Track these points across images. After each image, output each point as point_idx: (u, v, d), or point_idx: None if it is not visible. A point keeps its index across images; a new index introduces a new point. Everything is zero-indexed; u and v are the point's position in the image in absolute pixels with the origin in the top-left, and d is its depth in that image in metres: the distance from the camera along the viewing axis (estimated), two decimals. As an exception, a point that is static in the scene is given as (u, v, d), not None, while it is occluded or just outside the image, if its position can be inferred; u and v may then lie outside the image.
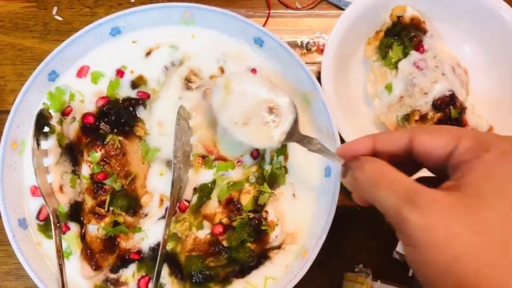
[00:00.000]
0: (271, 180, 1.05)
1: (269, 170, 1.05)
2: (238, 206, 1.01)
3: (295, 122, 0.96)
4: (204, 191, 1.04)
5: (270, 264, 1.02)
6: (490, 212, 0.55)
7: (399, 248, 1.08)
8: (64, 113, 1.07)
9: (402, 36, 1.10)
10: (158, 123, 1.08)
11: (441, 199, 0.58)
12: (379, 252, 1.11)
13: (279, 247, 1.02)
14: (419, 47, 1.09)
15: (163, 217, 1.03)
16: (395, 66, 1.10)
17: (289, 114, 0.97)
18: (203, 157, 1.06)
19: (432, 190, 0.60)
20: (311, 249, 0.97)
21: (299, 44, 1.22)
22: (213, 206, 1.03)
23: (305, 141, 0.92)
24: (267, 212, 1.02)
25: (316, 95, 1.04)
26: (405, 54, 1.09)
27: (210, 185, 1.05)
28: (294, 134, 0.95)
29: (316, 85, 1.03)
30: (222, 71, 1.11)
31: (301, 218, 1.04)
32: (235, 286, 1.01)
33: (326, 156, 0.86)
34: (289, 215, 1.04)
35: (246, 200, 1.01)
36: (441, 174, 0.66)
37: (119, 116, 1.05)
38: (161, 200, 1.04)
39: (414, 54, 1.08)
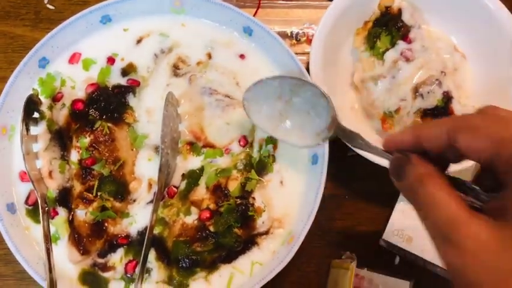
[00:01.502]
0: (259, 167, 1.06)
1: (257, 158, 1.06)
2: (226, 192, 1.02)
3: (335, 116, 0.91)
4: (192, 177, 1.05)
5: (257, 250, 1.03)
6: None
7: (386, 236, 1.09)
8: (55, 99, 1.08)
9: (390, 26, 1.11)
10: (146, 111, 1.09)
11: (480, 235, 0.52)
12: (366, 240, 1.12)
13: (266, 232, 1.03)
14: (406, 37, 1.09)
15: (152, 201, 1.04)
16: (383, 56, 1.11)
17: (327, 109, 0.93)
18: (191, 144, 1.07)
19: (475, 222, 0.53)
20: (297, 234, 0.98)
21: (289, 35, 1.23)
22: (200, 192, 1.04)
23: (345, 136, 0.86)
24: (254, 198, 1.03)
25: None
26: (393, 44, 1.10)
27: (197, 171, 1.05)
28: (336, 129, 0.89)
29: (304, 73, 1.04)
30: (210, 56, 1.12)
31: (289, 204, 1.05)
32: (222, 271, 1.01)
33: (371, 152, 0.76)
34: (277, 201, 1.05)
35: (233, 186, 1.02)
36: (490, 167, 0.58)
37: (108, 103, 1.06)
38: (150, 185, 1.05)
39: (401, 44, 1.09)
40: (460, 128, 0.58)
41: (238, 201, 1.02)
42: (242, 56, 1.12)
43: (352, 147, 0.87)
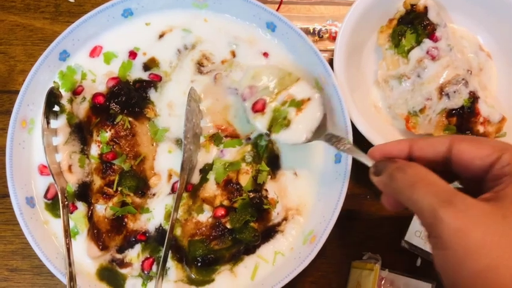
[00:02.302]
0: (271, 157, 1.06)
1: (264, 147, 1.05)
2: (237, 187, 1.01)
3: (324, 119, 0.96)
4: (205, 172, 1.04)
5: (281, 237, 1.03)
6: None
7: (408, 237, 1.08)
8: (75, 92, 1.07)
9: (416, 24, 1.09)
10: (168, 105, 1.08)
11: (479, 206, 0.58)
12: (387, 241, 1.10)
13: (285, 219, 1.03)
14: (432, 35, 1.08)
15: (171, 193, 1.03)
16: (408, 55, 1.09)
17: (316, 111, 0.97)
18: (213, 135, 1.06)
19: (471, 197, 0.59)
20: (319, 234, 0.96)
21: (311, 31, 1.21)
22: (211, 188, 1.02)
23: (334, 140, 0.91)
24: (266, 190, 1.02)
25: (328, 80, 1.03)
26: (419, 43, 1.08)
27: (206, 167, 1.04)
28: (322, 133, 0.95)
29: (329, 70, 1.03)
30: (234, 55, 1.11)
31: (305, 196, 1.05)
32: (247, 262, 1.01)
33: (356, 157, 0.83)
34: (291, 192, 1.05)
35: (245, 180, 1.01)
36: (475, 189, 0.65)
37: (129, 97, 1.05)
38: (170, 175, 1.04)
39: (427, 42, 1.07)
40: (464, 139, 0.66)
41: (252, 195, 1.01)
42: (266, 54, 1.11)
43: (340, 151, 0.90)
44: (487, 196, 0.61)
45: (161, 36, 1.12)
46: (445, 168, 0.68)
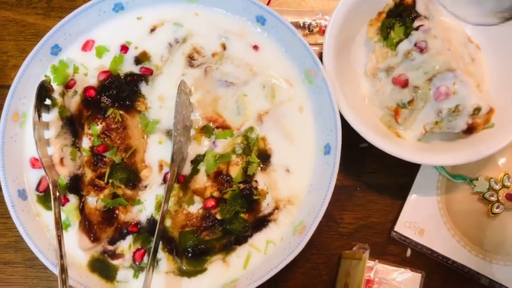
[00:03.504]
0: (262, 154, 1.06)
1: (254, 139, 1.06)
2: (227, 178, 1.01)
3: None
4: (196, 163, 1.05)
5: (274, 226, 1.03)
6: None
7: (398, 227, 1.09)
8: (67, 86, 1.08)
9: (404, 17, 1.10)
10: (159, 98, 1.09)
11: None
12: (377, 232, 1.12)
13: (277, 208, 1.03)
14: (420, 27, 1.08)
15: (162, 183, 1.04)
16: (396, 47, 1.10)
17: None
18: (204, 127, 1.07)
19: None
20: (309, 224, 0.97)
21: (301, 25, 1.22)
22: (201, 180, 1.03)
23: None
24: (256, 181, 1.03)
25: (318, 73, 1.04)
26: (407, 35, 1.09)
27: (197, 158, 1.05)
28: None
29: (318, 63, 1.04)
30: (224, 47, 1.12)
31: (296, 188, 1.05)
32: (239, 251, 1.02)
33: None
34: (282, 185, 1.05)
35: (235, 171, 1.02)
36: None
37: (120, 91, 1.06)
38: (161, 166, 1.05)
39: (415, 35, 1.08)
40: None
41: (242, 186, 1.01)
42: (256, 47, 1.11)
43: None
44: None
45: (152, 30, 1.13)
46: None
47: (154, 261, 0.94)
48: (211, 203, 1.00)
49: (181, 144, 1.01)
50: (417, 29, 1.08)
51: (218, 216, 0.99)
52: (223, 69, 1.10)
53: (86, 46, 1.12)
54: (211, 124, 1.07)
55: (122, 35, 1.13)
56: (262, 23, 1.10)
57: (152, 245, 0.95)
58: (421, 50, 1.07)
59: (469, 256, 1.08)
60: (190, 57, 1.11)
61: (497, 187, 1.10)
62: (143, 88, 1.09)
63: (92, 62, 1.11)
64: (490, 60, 1.16)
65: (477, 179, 1.11)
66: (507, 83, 1.12)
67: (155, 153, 1.06)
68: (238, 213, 0.99)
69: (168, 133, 1.06)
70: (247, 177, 1.02)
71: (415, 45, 1.08)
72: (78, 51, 1.12)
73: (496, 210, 1.09)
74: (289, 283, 1.09)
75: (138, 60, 1.11)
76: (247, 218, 1.00)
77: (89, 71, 1.10)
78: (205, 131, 1.06)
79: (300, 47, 1.06)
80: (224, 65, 1.10)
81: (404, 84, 1.08)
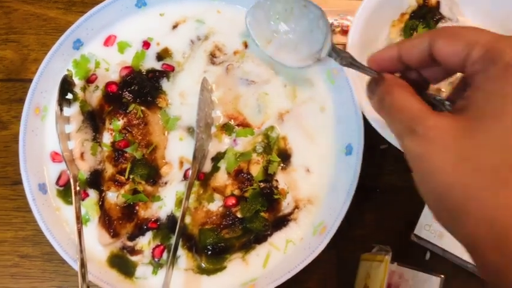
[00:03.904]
0: (282, 154, 1.06)
1: (275, 138, 1.05)
2: (248, 176, 1.01)
3: (330, 38, 0.91)
4: (216, 160, 1.05)
5: (294, 225, 1.03)
6: (485, 136, 0.52)
7: (417, 230, 1.08)
8: (89, 80, 1.08)
9: (428, 18, 1.09)
10: (180, 94, 1.09)
11: (440, 126, 0.56)
12: (396, 234, 1.11)
13: (297, 207, 1.03)
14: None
15: (182, 180, 1.04)
16: (420, 49, 1.09)
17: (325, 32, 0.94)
18: (224, 125, 1.07)
19: (436, 116, 0.57)
20: (329, 225, 0.97)
21: (323, 25, 1.21)
22: (222, 178, 1.03)
23: (336, 55, 0.86)
24: (277, 180, 1.02)
25: (340, 73, 1.04)
26: (431, 37, 1.08)
27: (218, 156, 1.05)
28: (329, 49, 0.89)
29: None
30: (246, 46, 1.11)
31: (316, 187, 1.05)
32: (259, 250, 1.01)
33: (357, 70, 0.78)
34: (302, 185, 1.05)
35: (256, 170, 1.01)
36: None
37: (142, 87, 1.06)
38: (181, 163, 1.05)
39: (439, 37, 1.07)
40: (440, 35, 0.62)
41: (262, 185, 1.01)
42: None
43: (342, 65, 0.84)
44: (460, 104, 0.59)
45: (174, 26, 1.13)
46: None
47: (174, 258, 0.94)
48: (232, 201, 1.00)
49: (202, 141, 1.01)
50: (441, 31, 1.08)
51: (238, 215, 0.99)
52: (244, 67, 1.10)
53: (108, 41, 1.12)
54: (231, 122, 1.07)
55: (144, 31, 1.13)
56: (285, 21, 1.10)
57: (173, 242, 0.95)
58: (445, 52, 1.06)
59: (489, 260, 1.07)
60: (212, 55, 1.11)
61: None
62: (164, 84, 1.09)
63: (113, 57, 1.11)
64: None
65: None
66: None
67: (176, 149, 1.06)
68: (258, 212, 0.99)
69: (189, 130, 1.06)
70: (268, 176, 1.02)
71: (439, 47, 1.07)
72: (100, 46, 1.12)
73: (516, 215, 1.08)
74: (307, 284, 1.08)
75: (160, 57, 1.11)
76: (267, 217, 1.00)
77: (111, 66, 1.10)
78: (226, 128, 1.06)
79: (322, 46, 1.06)
80: (245, 64, 1.10)
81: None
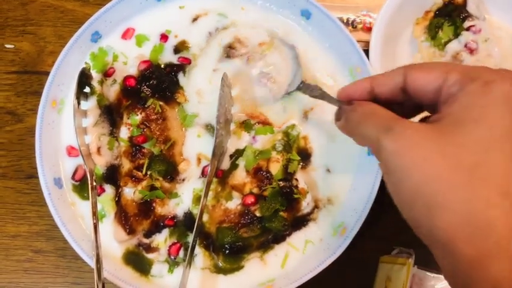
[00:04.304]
0: (302, 153, 1.04)
1: (295, 136, 1.03)
2: (267, 175, 0.99)
3: (297, 73, 0.98)
4: (237, 157, 1.03)
5: (313, 225, 1.01)
6: (464, 137, 0.55)
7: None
8: (106, 74, 1.06)
9: (454, 16, 1.07)
10: (197, 92, 1.07)
11: (417, 127, 0.58)
12: (417, 236, 1.08)
13: (317, 206, 1.01)
14: (471, 28, 1.05)
15: (200, 177, 1.02)
16: (445, 48, 1.07)
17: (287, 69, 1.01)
18: (244, 122, 1.04)
19: (412, 121, 0.61)
20: (350, 226, 0.95)
21: (345, 21, 1.19)
22: (240, 176, 1.01)
23: (305, 89, 0.90)
24: (297, 180, 1.00)
25: (364, 70, 1.01)
26: (457, 35, 1.06)
27: (236, 153, 1.03)
28: (294, 85, 0.96)
29: (365, 60, 1.01)
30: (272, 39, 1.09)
31: (336, 187, 1.03)
32: (277, 250, 0.99)
33: (327, 101, 0.82)
34: (322, 185, 1.03)
35: (275, 169, 0.99)
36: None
37: (160, 81, 1.04)
38: (199, 159, 1.03)
39: (466, 35, 1.05)
40: (415, 67, 0.66)
41: (282, 184, 0.99)
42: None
43: (313, 97, 0.88)
44: (432, 118, 0.62)
45: (195, 19, 1.10)
46: (409, 100, 0.68)
47: (191, 257, 0.92)
48: (251, 199, 0.97)
49: (222, 138, 0.99)
50: (468, 29, 1.05)
51: (257, 214, 0.97)
52: (267, 59, 1.07)
53: (126, 34, 1.10)
54: (251, 120, 1.04)
55: (163, 24, 1.10)
56: (307, 17, 1.08)
57: (190, 240, 0.93)
58: (471, 52, 1.04)
59: None
60: (231, 47, 1.08)
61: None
62: (182, 79, 1.07)
63: (132, 51, 1.09)
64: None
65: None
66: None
67: (194, 146, 1.04)
68: (277, 212, 0.97)
69: (207, 127, 1.04)
70: (288, 175, 1.00)
71: (465, 46, 1.05)
72: (118, 39, 1.10)
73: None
74: (326, 284, 1.06)
75: (177, 49, 1.09)
76: (286, 217, 0.98)
77: (129, 59, 1.08)
78: (245, 125, 1.04)
79: (345, 42, 1.04)
80: (269, 56, 1.07)
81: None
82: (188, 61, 1.08)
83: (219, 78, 1.01)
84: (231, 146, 1.04)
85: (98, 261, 0.91)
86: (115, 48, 1.09)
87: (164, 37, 1.10)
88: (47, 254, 1.07)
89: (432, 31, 1.09)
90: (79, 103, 1.01)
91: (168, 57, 1.08)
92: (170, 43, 1.09)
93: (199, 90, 1.07)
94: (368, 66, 1.00)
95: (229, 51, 1.08)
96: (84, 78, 1.02)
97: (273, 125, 1.04)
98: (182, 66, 1.07)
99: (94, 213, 0.94)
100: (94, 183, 0.98)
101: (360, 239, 1.06)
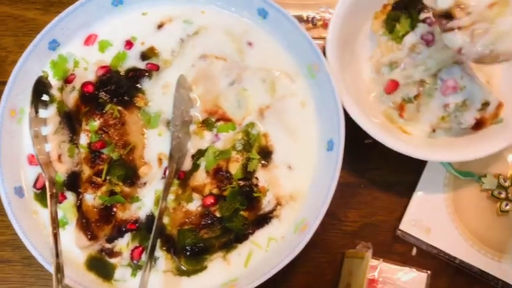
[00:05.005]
0: (263, 151, 1.03)
1: (255, 135, 1.03)
2: (227, 175, 0.99)
3: None
4: (198, 158, 1.03)
5: (277, 222, 1.01)
6: None
7: (403, 226, 1.06)
8: (67, 81, 1.07)
9: (410, 9, 1.07)
10: (163, 86, 1.07)
11: None
12: (382, 230, 1.09)
13: (279, 204, 1.01)
14: (426, 19, 1.05)
15: (162, 178, 1.02)
16: (402, 40, 1.07)
17: None
18: (205, 121, 1.04)
19: None
20: (311, 222, 0.94)
21: (305, 19, 1.20)
22: (200, 177, 1.01)
23: None
24: (257, 178, 1.00)
25: (321, 68, 1.01)
26: (413, 28, 1.06)
27: (198, 153, 1.03)
28: None
29: (321, 57, 1.01)
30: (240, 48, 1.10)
31: (299, 185, 1.02)
32: (241, 249, 0.99)
33: None
34: (284, 182, 1.02)
35: (235, 168, 1.00)
36: None
37: (119, 86, 1.04)
38: (160, 160, 1.03)
39: (422, 27, 1.05)
40: None
41: (242, 183, 0.99)
42: (250, 44, 1.10)
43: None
44: None
45: (160, 26, 1.11)
46: None
47: (152, 259, 0.92)
48: (210, 200, 0.98)
49: (179, 140, 0.99)
50: (423, 21, 1.05)
51: (217, 214, 0.97)
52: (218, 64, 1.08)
53: (89, 40, 1.10)
54: (212, 118, 1.04)
55: (127, 30, 1.10)
56: (264, 17, 1.08)
57: (149, 243, 0.93)
58: (427, 43, 1.04)
59: (477, 255, 1.04)
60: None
61: (506, 184, 1.07)
62: (145, 83, 1.07)
63: (93, 57, 1.09)
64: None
65: (485, 176, 1.08)
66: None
67: (155, 146, 1.04)
68: (237, 211, 0.97)
69: (168, 124, 1.04)
70: (248, 174, 1.00)
71: (421, 37, 1.05)
72: (80, 45, 1.10)
73: (505, 208, 1.06)
74: (292, 283, 1.07)
75: (145, 56, 1.09)
76: (247, 216, 0.98)
77: (90, 65, 1.08)
78: (206, 124, 1.04)
79: (302, 40, 1.04)
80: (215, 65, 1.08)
81: (394, 89, 1.07)
82: (156, 67, 1.07)
83: (196, 72, 1.02)
84: (194, 146, 1.04)
85: (58, 269, 0.91)
86: (76, 55, 1.09)
87: (129, 43, 1.10)
88: (14, 263, 1.08)
89: (390, 24, 1.09)
90: (37, 111, 1.01)
91: (134, 63, 1.08)
92: (136, 49, 1.09)
93: (167, 83, 1.07)
94: (324, 64, 1.00)
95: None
96: (41, 86, 1.02)
97: (234, 122, 1.04)
98: (147, 72, 1.07)
99: (54, 221, 0.94)
100: (55, 191, 0.98)
101: (327, 234, 1.07)
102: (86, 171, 1.00)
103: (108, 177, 0.99)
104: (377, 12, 1.13)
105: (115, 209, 0.99)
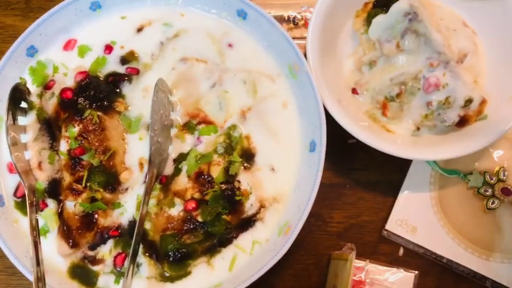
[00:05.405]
0: (246, 153, 1.02)
1: (237, 138, 1.02)
2: (209, 179, 0.98)
3: None
4: (178, 162, 1.01)
5: (260, 225, 1.00)
6: None
7: (389, 226, 1.05)
8: (47, 87, 1.05)
9: (390, 6, 1.05)
10: (143, 89, 1.06)
11: None
12: (368, 231, 1.08)
13: (263, 206, 1.00)
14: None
15: (144, 182, 1.00)
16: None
17: None
18: (186, 124, 1.03)
19: None
20: (294, 224, 0.93)
21: (286, 19, 1.19)
22: (182, 181, 1.00)
23: None
24: (239, 181, 0.99)
25: (301, 68, 1.00)
26: (394, 25, 1.05)
27: (180, 157, 1.02)
28: None
29: (301, 57, 1.00)
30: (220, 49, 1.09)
31: (282, 187, 1.01)
32: (225, 253, 0.98)
33: None
34: (267, 184, 1.01)
35: (216, 172, 0.99)
36: None
37: (98, 91, 1.03)
38: (141, 164, 1.02)
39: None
40: None
41: (224, 186, 0.98)
42: (230, 45, 1.09)
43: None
44: None
45: (139, 29, 1.10)
46: None
47: (134, 266, 0.91)
48: (192, 205, 0.97)
49: (159, 145, 0.98)
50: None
51: (199, 219, 0.96)
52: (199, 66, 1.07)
53: (68, 45, 1.09)
54: (193, 121, 1.03)
55: (107, 35, 1.09)
56: (244, 18, 1.07)
57: (131, 249, 0.91)
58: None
59: (464, 254, 1.04)
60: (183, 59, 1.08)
61: (492, 181, 1.06)
62: (125, 88, 1.06)
63: (73, 62, 1.08)
64: (485, 47, 1.11)
65: (471, 174, 1.07)
66: (501, 70, 1.07)
67: (135, 150, 1.03)
68: (220, 215, 0.96)
69: (148, 128, 1.02)
70: (230, 178, 0.99)
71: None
72: (59, 51, 1.09)
73: (491, 206, 1.05)
74: (278, 285, 1.06)
75: (125, 60, 1.08)
76: (230, 220, 0.97)
77: (69, 71, 1.07)
78: (188, 127, 1.03)
79: (282, 40, 1.03)
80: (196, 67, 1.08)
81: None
82: (136, 71, 1.06)
83: (176, 75, 1.01)
84: (175, 150, 1.03)
85: (39, 278, 0.90)
86: (55, 60, 1.07)
87: (109, 48, 1.08)
88: (-3, 273, 1.06)
89: (371, 22, 1.08)
90: (15, 119, 1.00)
91: (114, 67, 1.07)
92: (116, 53, 1.08)
93: (147, 87, 1.06)
94: (304, 64, 0.99)
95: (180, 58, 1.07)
96: (18, 93, 1.01)
97: (216, 124, 1.03)
98: (127, 76, 1.06)
99: (34, 230, 0.93)
100: (36, 199, 0.97)
101: (312, 236, 1.06)
102: (67, 178, 0.99)
103: (88, 184, 0.98)
104: (358, 10, 1.12)
105: (96, 216, 0.98)
